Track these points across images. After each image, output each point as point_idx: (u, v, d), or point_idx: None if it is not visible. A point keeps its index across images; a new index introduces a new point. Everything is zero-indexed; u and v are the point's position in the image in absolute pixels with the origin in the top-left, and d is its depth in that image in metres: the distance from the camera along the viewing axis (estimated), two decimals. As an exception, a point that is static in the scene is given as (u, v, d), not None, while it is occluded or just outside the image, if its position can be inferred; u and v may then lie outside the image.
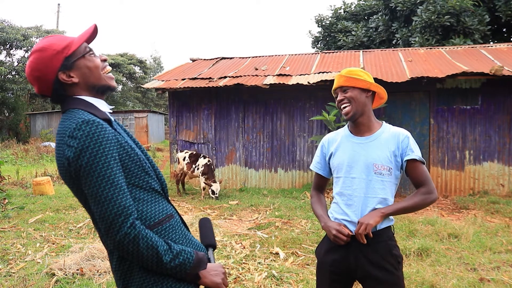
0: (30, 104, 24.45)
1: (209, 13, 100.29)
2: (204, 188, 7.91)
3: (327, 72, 8.41)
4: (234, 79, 8.51)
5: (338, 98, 1.95)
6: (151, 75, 32.32)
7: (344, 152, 1.95)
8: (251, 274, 3.81)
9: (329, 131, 7.35)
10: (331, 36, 17.39)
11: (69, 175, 1.24)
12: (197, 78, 8.94)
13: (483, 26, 12.28)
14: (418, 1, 13.46)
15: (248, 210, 6.73)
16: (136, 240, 1.19)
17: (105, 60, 1.40)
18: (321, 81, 7.81)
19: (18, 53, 22.81)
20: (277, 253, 4.40)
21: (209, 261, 1.42)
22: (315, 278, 2.06)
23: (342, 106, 1.93)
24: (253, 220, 6.02)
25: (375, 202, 1.86)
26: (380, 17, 15.36)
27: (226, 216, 6.30)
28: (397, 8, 14.15)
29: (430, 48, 9.86)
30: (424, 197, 1.84)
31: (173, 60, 71.34)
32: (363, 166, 1.88)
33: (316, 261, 2.05)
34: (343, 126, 2.07)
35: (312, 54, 10.59)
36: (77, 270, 3.83)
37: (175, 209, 1.45)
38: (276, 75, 8.55)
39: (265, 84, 8.03)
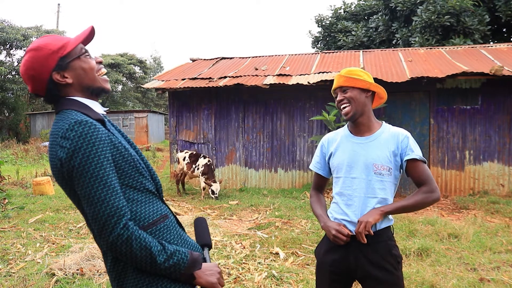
0: (30, 104, 24.45)
1: (209, 13, 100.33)
2: (204, 188, 7.91)
3: (327, 72, 8.41)
4: (234, 79, 8.51)
5: (337, 98, 1.95)
6: (151, 75, 32.32)
7: (344, 152, 1.95)
8: (251, 274, 3.81)
9: (329, 131, 7.35)
10: (331, 36, 17.39)
11: (62, 176, 1.24)
12: (197, 78, 8.94)
13: (483, 26, 12.28)
14: (418, 1, 13.46)
15: (248, 210, 6.73)
16: (129, 241, 1.18)
17: (100, 63, 1.40)
18: (321, 81, 7.81)
19: (18, 53, 22.81)
20: (277, 253, 4.40)
21: (205, 261, 1.42)
22: (315, 278, 2.06)
23: (341, 106, 1.93)
24: (253, 220, 6.02)
25: (375, 202, 1.85)
26: (380, 17, 15.36)
27: (226, 216, 6.30)
28: (397, 8, 14.15)
29: (430, 48, 9.86)
30: (425, 196, 1.82)
31: (173, 60, 71.43)
32: (363, 166, 1.88)
33: (316, 261, 2.04)
34: (343, 126, 2.07)
35: (312, 54, 10.59)
36: (77, 270, 3.83)
37: (170, 209, 1.45)
38: (276, 75, 8.55)
39: (265, 84, 8.03)
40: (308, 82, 7.86)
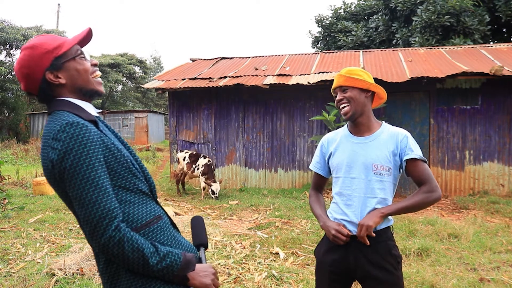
0: (30, 104, 24.44)
1: (209, 13, 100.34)
2: (204, 188, 7.91)
3: (327, 72, 8.41)
4: (234, 79, 8.51)
5: (337, 98, 1.95)
6: (151, 75, 32.32)
7: (344, 152, 1.95)
8: (251, 274, 3.81)
9: (329, 131, 7.35)
10: (331, 36, 17.39)
11: (53, 178, 1.23)
12: (197, 78, 8.94)
13: (483, 26, 12.28)
14: (418, 1, 13.46)
15: (248, 210, 6.73)
16: (121, 243, 1.17)
17: (95, 65, 1.39)
18: (321, 81, 7.81)
19: (18, 53, 22.77)
20: (277, 253, 4.40)
21: (200, 261, 1.41)
22: (315, 278, 2.06)
23: (341, 106, 1.93)
24: (253, 220, 6.02)
25: (375, 202, 1.85)
26: (380, 17, 15.36)
27: (226, 216, 6.30)
28: (397, 8, 14.15)
29: (430, 48, 9.86)
30: (425, 195, 1.81)
31: (173, 60, 71.42)
32: (362, 166, 1.88)
33: (316, 261, 2.04)
34: (343, 126, 2.07)
35: (312, 54, 10.60)
36: (77, 270, 3.83)
37: (164, 210, 1.44)
38: (276, 75, 8.56)
39: (265, 84, 8.03)
40: (308, 82, 7.86)
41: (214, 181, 7.65)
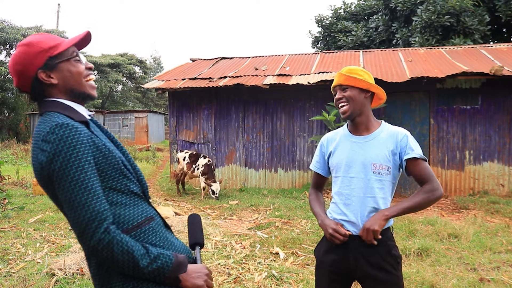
0: (30, 104, 24.43)
1: (209, 13, 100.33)
2: (204, 188, 7.91)
3: (327, 72, 8.41)
4: (234, 79, 8.51)
5: (336, 96, 1.94)
6: (151, 75, 32.32)
7: (343, 152, 1.95)
8: (251, 274, 3.81)
9: (329, 131, 7.35)
10: (331, 36, 17.40)
11: (43, 180, 1.22)
12: (197, 78, 8.94)
13: (483, 26, 12.28)
14: (418, 1, 13.46)
15: (248, 210, 6.74)
16: (110, 246, 1.16)
17: (90, 69, 1.39)
18: (321, 81, 7.81)
19: (18, 53, 22.75)
20: (277, 253, 4.40)
21: (195, 261, 1.40)
22: (314, 278, 2.06)
23: (340, 105, 1.93)
24: (253, 220, 6.02)
25: (374, 202, 1.85)
26: (380, 17, 15.36)
27: (226, 216, 6.30)
28: (397, 8, 14.15)
29: (430, 48, 9.86)
30: (427, 195, 1.80)
31: (173, 60, 71.45)
32: (362, 166, 1.87)
33: (315, 261, 2.04)
34: (343, 126, 2.07)
35: (312, 54, 10.60)
36: (77, 270, 3.83)
37: (157, 211, 1.43)
38: (276, 75, 8.56)
39: (265, 84, 8.03)
40: (308, 82, 7.86)
41: (214, 181, 7.65)
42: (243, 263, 4.12)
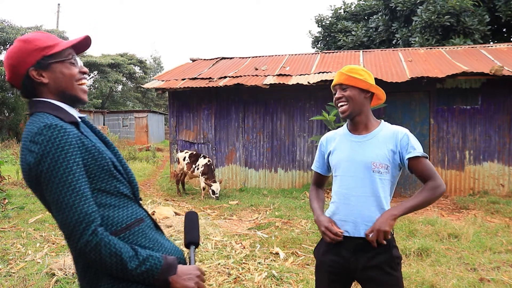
0: (30, 104, 24.44)
1: (209, 13, 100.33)
2: (204, 188, 7.91)
3: (327, 72, 8.41)
4: (234, 79, 8.51)
5: (336, 95, 1.94)
6: (151, 75, 32.31)
7: (342, 151, 1.95)
8: (251, 274, 3.81)
9: (329, 131, 7.37)
10: (331, 36, 17.39)
11: (31, 181, 1.22)
12: (197, 78, 8.95)
13: (483, 26, 12.28)
14: (418, 1, 13.46)
15: (248, 210, 6.73)
16: (98, 248, 1.15)
17: (84, 73, 1.38)
18: (321, 81, 7.81)
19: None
20: (277, 253, 4.40)
21: (189, 261, 1.39)
22: (314, 278, 2.06)
23: (339, 104, 1.93)
24: (253, 220, 6.02)
25: (373, 201, 1.85)
26: (380, 17, 15.36)
27: (226, 216, 6.30)
28: (397, 8, 14.15)
29: (430, 48, 9.86)
30: (431, 192, 1.81)
31: (173, 60, 71.49)
32: (361, 165, 1.87)
33: (315, 261, 2.04)
34: (343, 126, 2.07)
35: (312, 54, 10.60)
36: (77, 270, 3.83)
37: (147, 212, 1.41)
38: (276, 75, 8.56)
39: (265, 84, 8.03)
40: (308, 82, 7.86)
41: (214, 181, 7.65)
42: (243, 263, 4.12)
